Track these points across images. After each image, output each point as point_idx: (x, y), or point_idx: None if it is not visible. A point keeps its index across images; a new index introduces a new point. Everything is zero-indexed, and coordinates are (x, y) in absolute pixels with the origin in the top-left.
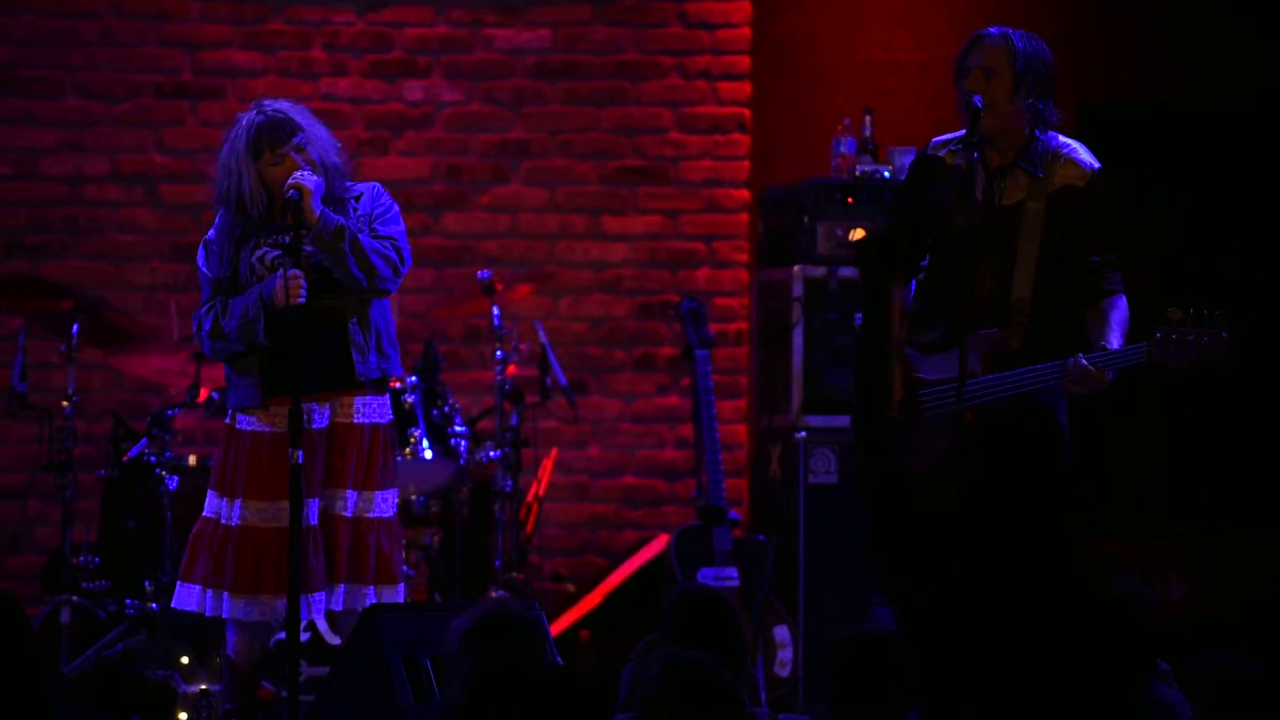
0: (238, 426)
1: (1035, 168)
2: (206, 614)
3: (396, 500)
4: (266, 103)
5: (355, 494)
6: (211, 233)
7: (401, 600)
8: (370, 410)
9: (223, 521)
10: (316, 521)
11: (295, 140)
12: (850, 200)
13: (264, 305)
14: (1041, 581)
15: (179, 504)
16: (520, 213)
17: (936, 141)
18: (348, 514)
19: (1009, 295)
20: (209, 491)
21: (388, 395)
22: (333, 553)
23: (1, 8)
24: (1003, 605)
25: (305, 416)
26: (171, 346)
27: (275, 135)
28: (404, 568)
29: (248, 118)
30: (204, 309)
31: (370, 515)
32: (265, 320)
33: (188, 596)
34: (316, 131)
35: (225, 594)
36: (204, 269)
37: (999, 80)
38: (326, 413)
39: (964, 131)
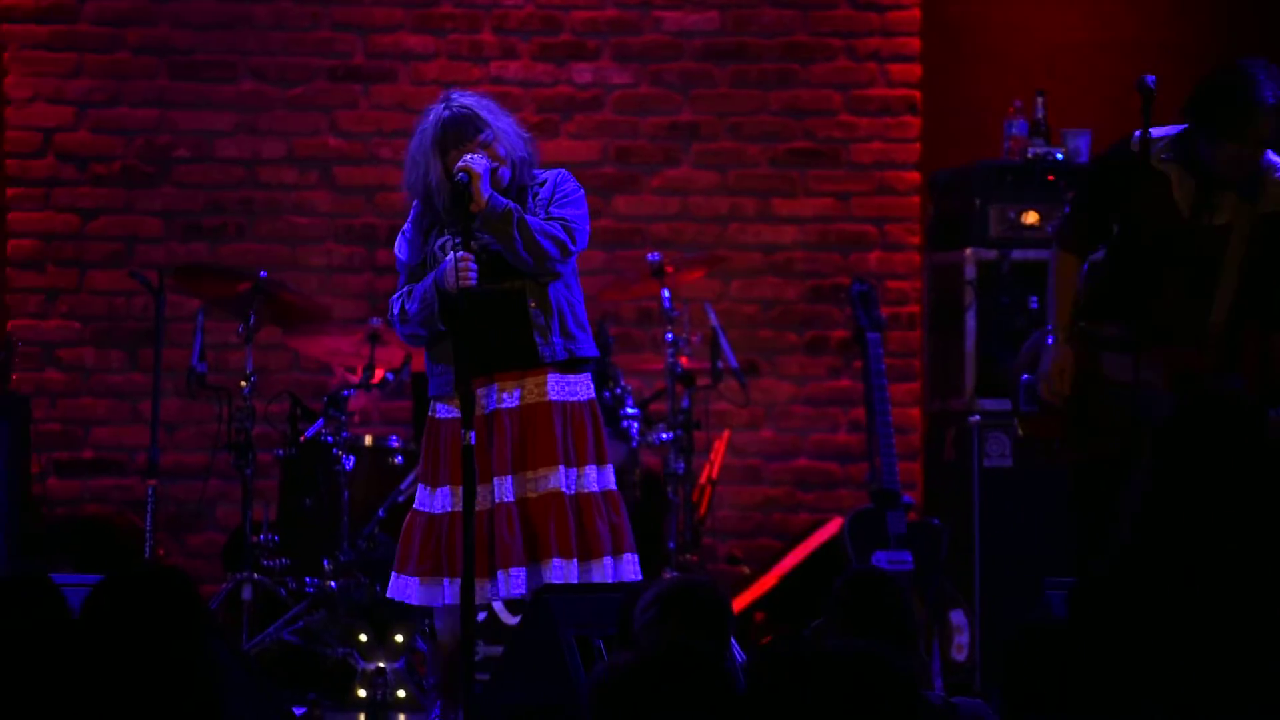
0: (436, 416)
1: (1252, 191)
2: (408, 601)
3: (612, 475)
4: (455, 95)
5: (569, 470)
6: (407, 224)
7: (639, 572)
8: (565, 388)
9: (425, 510)
10: (512, 499)
11: (481, 137)
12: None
13: (438, 289)
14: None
15: (355, 483)
16: (690, 195)
17: (1155, 135)
18: (566, 490)
19: (1205, 315)
20: (419, 485)
21: (586, 373)
22: (540, 529)
23: None
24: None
25: (494, 397)
26: (346, 327)
27: (461, 132)
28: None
29: (435, 111)
30: (397, 294)
31: (587, 490)
32: (440, 303)
33: (402, 588)
34: (502, 124)
35: (414, 580)
36: (399, 257)
37: None
38: (516, 392)
39: (1179, 129)
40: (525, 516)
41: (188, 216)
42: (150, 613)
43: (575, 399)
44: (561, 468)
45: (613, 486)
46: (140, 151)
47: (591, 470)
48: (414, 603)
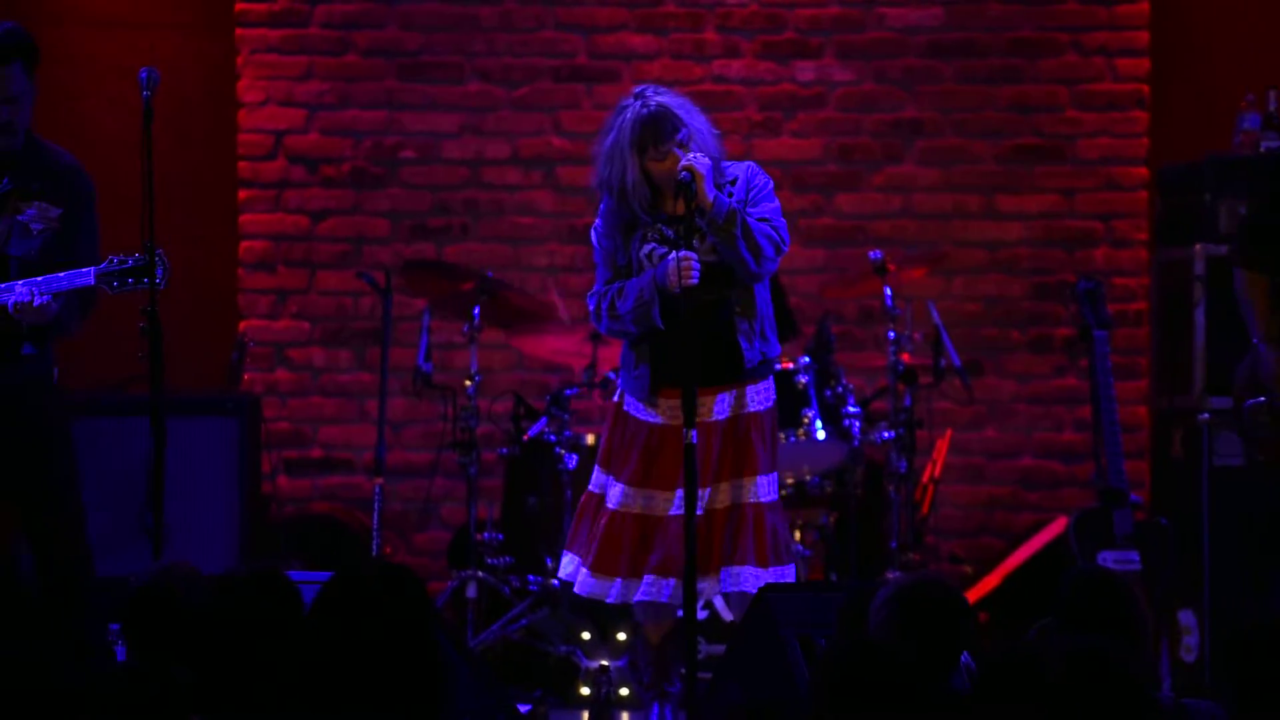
0: (625, 409)
1: None
2: (572, 585)
3: (776, 483)
4: (649, 92)
5: (763, 479)
6: (599, 220)
7: (793, 579)
8: (761, 397)
9: (605, 502)
10: (702, 510)
11: (679, 137)
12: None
13: (657, 288)
14: None
15: (578, 482)
16: (913, 192)
17: None
18: (749, 500)
19: None
20: (595, 465)
21: (770, 379)
22: (727, 539)
23: None
24: None
25: (701, 408)
26: (569, 327)
27: (659, 130)
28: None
29: (632, 109)
30: (599, 289)
31: (764, 499)
32: (660, 303)
33: (566, 563)
34: (697, 123)
35: (586, 570)
36: (601, 249)
37: None
38: (722, 406)
39: None
40: (719, 527)
41: (414, 217)
42: (379, 609)
43: (765, 408)
44: (762, 477)
45: (777, 496)
46: (368, 153)
47: (774, 477)
48: (581, 593)
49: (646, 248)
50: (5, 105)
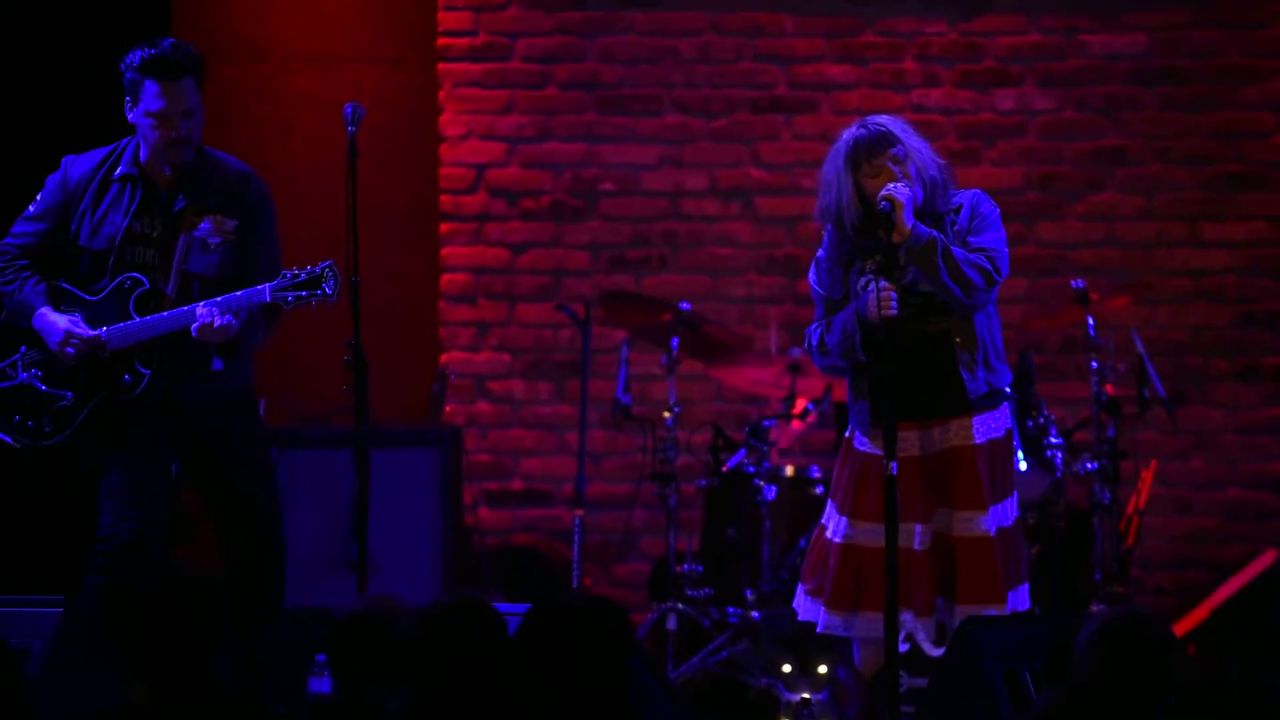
0: (854, 445)
1: None
2: (812, 623)
3: (1015, 504)
4: (869, 118)
5: (995, 507)
6: (821, 251)
7: (1026, 604)
8: (988, 426)
9: (828, 535)
10: (921, 545)
11: (893, 152)
12: None
13: (859, 320)
14: None
15: (777, 514)
16: (1116, 221)
17: None
18: (991, 531)
19: None
20: (828, 500)
21: (1004, 405)
22: (949, 573)
23: (607, 29)
24: None
25: (924, 441)
26: (767, 358)
27: (873, 146)
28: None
29: (849, 132)
30: (814, 325)
31: (990, 530)
32: (861, 335)
33: (798, 599)
34: (915, 144)
35: (820, 607)
36: (815, 286)
37: None
38: (945, 437)
39: None
40: (948, 558)
41: (613, 249)
42: (582, 641)
43: (997, 436)
44: (992, 508)
45: (1013, 520)
46: (568, 186)
47: (1009, 503)
48: (820, 629)
49: (862, 280)
50: (182, 119)
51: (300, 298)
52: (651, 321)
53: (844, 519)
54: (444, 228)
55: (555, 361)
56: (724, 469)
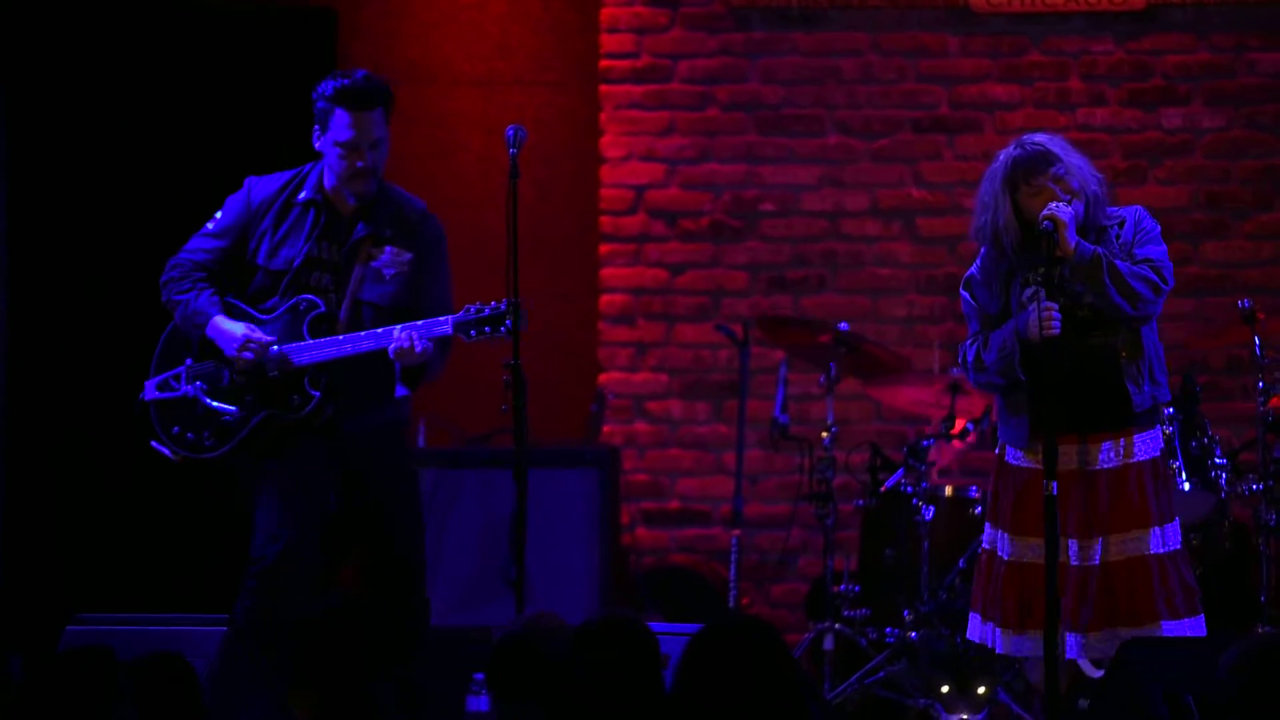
0: (1006, 459)
1: None
2: (990, 646)
3: (1178, 528)
4: (1026, 137)
5: (1157, 531)
6: (974, 268)
7: (1204, 631)
8: (1149, 445)
9: (997, 554)
10: (1078, 561)
11: (1053, 171)
12: None
13: (1019, 339)
14: None
15: (936, 534)
16: None
17: None
18: (1151, 552)
19: None
20: (986, 522)
21: (1158, 429)
22: (1118, 593)
23: (769, 49)
24: None
25: (1083, 456)
26: (927, 378)
27: (1032, 167)
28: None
29: (1006, 152)
30: (969, 340)
31: (1156, 550)
32: (1021, 354)
33: (972, 626)
34: (1074, 160)
35: (997, 629)
36: (971, 302)
37: None
38: (1109, 454)
39: None
40: (1109, 579)
41: (772, 269)
42: (745, 663)
43: (1154, 455)
44: (1156, 529)
45: (1179, 542)
46: (728, 206)
47: (1174, 527)
48: (1000, 651)
49: (1028, 291)
50: (369, 150)
51: (484, 333)
52: (810, 342)
53: (1006, 535)
54: (604, 249)
55: (713, 382)
56: (882, 489)
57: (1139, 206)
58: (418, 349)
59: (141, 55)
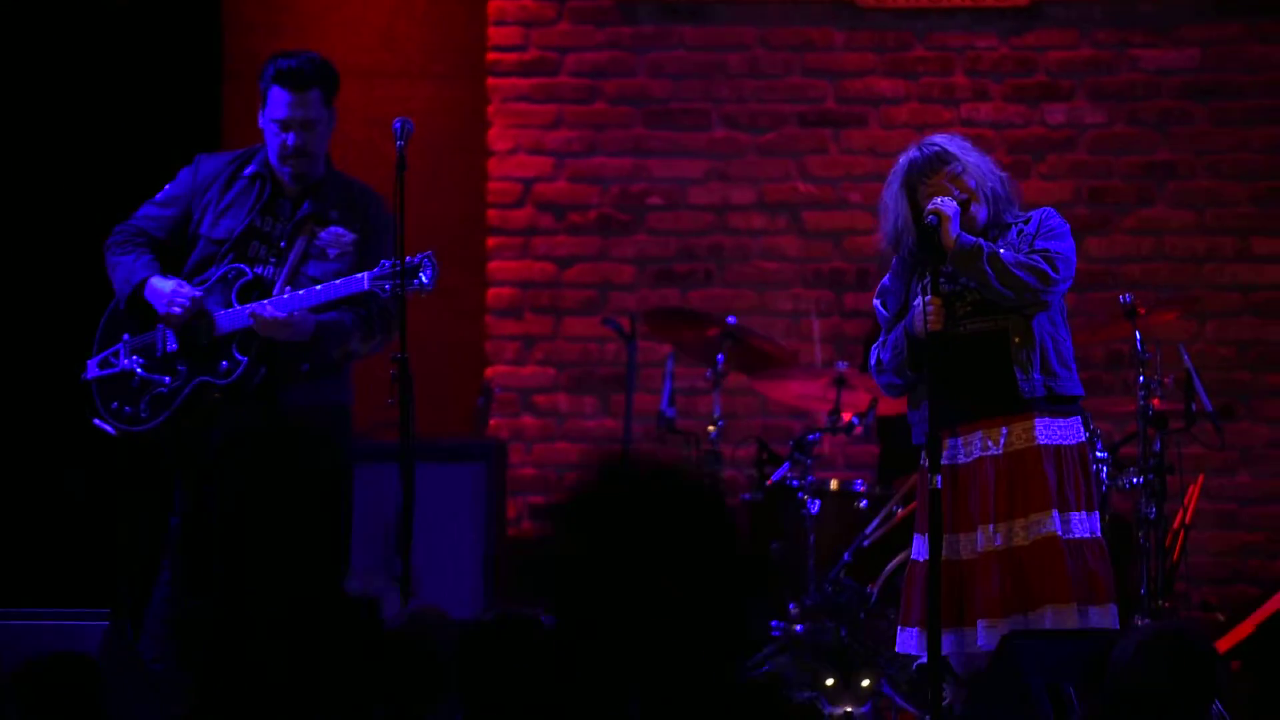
0: (921, 463)
1: None
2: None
3: (1097, 521)
4: (925, 138)
5: (1056, 515)
6: (886, 279)
7: (1116, 622)
8: (1054, 431)
9: (916, 558)
10: (984, 546)
11: (948, 169)
12: None
13: (908, 336)
14: None
15: (821, 527)
16: (1165, 235)
17: None
18: (1046, 533)
19: None
20: (915, 535)
21: (1076, 416)
22: (1034, 578)
23: (656, 43)
24: None
25: (978, 444)
26: (813, 372)
27: (927, 166)
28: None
29: (904, 155)
30: (876, 344)
31: (1078, 536)
32: (910, 350)
33: (906, 641)
34: (973, 159)
35: (916, 630)
36: (879, 309)
37: None
38: (1003, 439)
39: None
40: (1016, 565)
41: (660, 263)
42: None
43: (1066, 442)
44: (1055, 513)
45: (1099, 533)
46: (615, 200)
47: (1083, 515)
48: (914, 653)
49: (916, 288)
50: (303, 131)
51: (397, 286)
52: (697, 336)
53: (924, 536)
54: (491, 242)
55: (600, 375)
56: (768, 483)
57: (1049, 208)
58: (268, 315)
59: (34, 43)
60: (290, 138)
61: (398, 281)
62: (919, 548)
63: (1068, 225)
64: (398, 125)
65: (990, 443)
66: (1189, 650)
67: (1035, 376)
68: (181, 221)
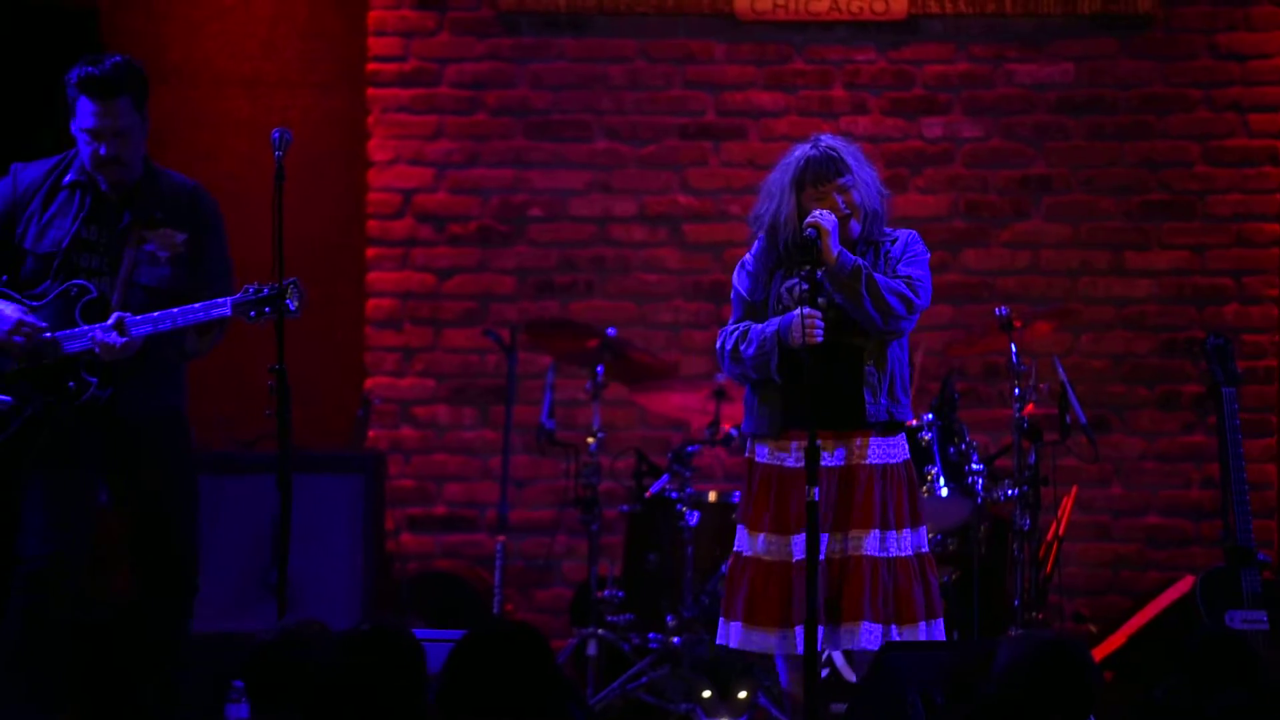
0: (755, 459)
1: None
2: (725, 644)
3: (924, 537)
4: (824, 138)
5: (884, 534)
6: (748, 255)
7: (944, 636)
8: (884, 450)
9: (743, 553)
10: (823, 558)
11: (840, 180)
12: None
13: (780, 341)
14: None
15: (700, 539)
16: (1040, 249)
17: None
18: (865, 553)
19: None
20: (739, 525)
21: (902, 435)
22: (844, 591)
23: (537, 54)
24: None
25: (821, 454)
26: (693, 384)
27: (823, 171)
28: (935, 605)
29: (801, 149)
30: (729, 327)
31: (903, 554)
32: (779, 356)
33: (726, 633)
34: (865, 175)
35: (736, 624)
36: (738, 288)
37: None
38: (840, 453)
39: None
40: (833, 577)
41: (540, 274)
42: (508, 670)
43: (893, 461)
44: (876, 531)
45: (925, 548)
46: (496, 211)
47: (907, 533)
48: (734, 646)
49: (789, 282)
50: (114, 139)
51: (264, 314)
52: (577, 347)
53: (761, 535)
54: (370, 252)
55: (480, 387)
56: (647, 494)
57: (914, 231)
58: (116, 344)
59: None
60: (103, 147)
61: (265, 309)
62: (742, 540)
63: (929, 253)
64: (276, 135)
65: (826, 454)
66: (1067, 661)
67: (882, 401)
68: (4, 235)
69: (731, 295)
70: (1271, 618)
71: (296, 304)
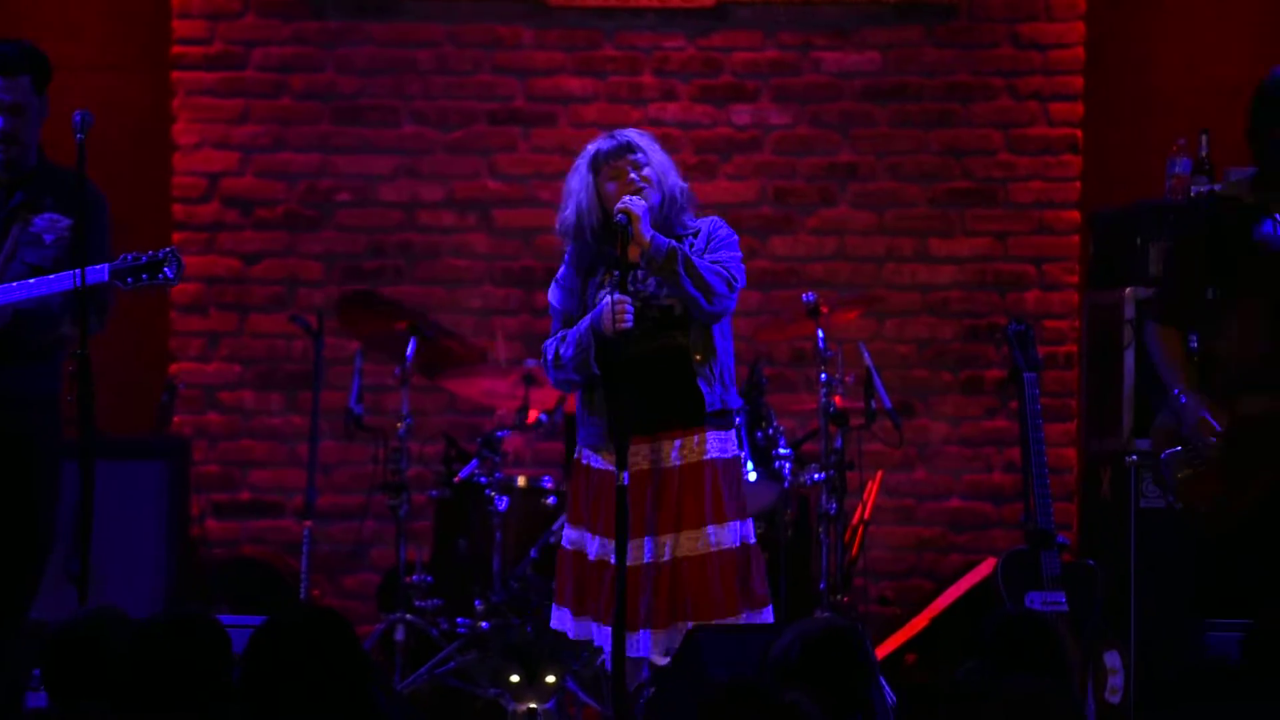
0: (585, 462)
1: None
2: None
3: (751, 528)
4: (615, 130)
5: (719, 527)
6: (561, 269)
7: (771, 619)
8: (721, 445)
9: (588, 556)
10: (653, 558)
11: (633, 157)
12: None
13: (594, 333)
14: None
15: (509, 524)
16: (847, 235)
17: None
18: (705, 548)
19: None
20: (565, 524)
21: (733, 429)
22: (685, 591)
23: (344, 39)
24: None
25: (655, 454)
26: (502, 369)
27: (613, 151)
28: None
29: (593, 143)
30: (551, 340)
31: (729, 545)
32: (596, 348)
33: (561, 619)
34: (658, 157)
35: (594, 625)
36: (553, 303)
37: None
38: (676, 451)
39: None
40: (679, 575)
41: (348, 260)
42: (311, 655)
43: (727, 455)
44: (711, 528)
45: (752, 539)
46: (303, 196)
47: (737, 525)
48: (570, 635)
49: (603, 292)
50: (13, 116)
51: (140, 280)
52: (386, 331)
53: (598, 538)
54: (176, 237)
55: (287, 372)
56: (456, 479)
57: (716, 217)
58: None
59: None
60: (1, 120)
61: (142, 276)
62: (569, 536)
63: (735, 235)
64: (77, 118)
65: (658, 457)
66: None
67: (716, 388)
68: None
69: (550, 310)
70: (1070, 599)
71: (175, 271)
